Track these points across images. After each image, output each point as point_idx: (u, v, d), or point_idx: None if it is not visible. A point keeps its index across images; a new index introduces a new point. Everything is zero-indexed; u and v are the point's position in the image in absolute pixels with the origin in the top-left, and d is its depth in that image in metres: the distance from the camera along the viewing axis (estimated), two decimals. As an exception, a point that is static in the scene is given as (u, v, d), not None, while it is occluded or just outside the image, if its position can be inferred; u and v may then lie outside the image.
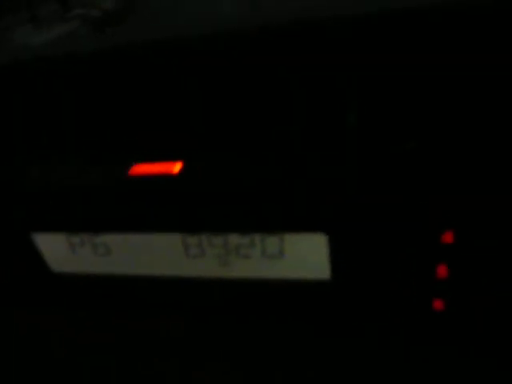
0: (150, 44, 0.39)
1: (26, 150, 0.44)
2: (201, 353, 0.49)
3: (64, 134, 0.44)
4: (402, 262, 0.39)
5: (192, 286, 0.47)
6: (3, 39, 0.65)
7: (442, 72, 0.35)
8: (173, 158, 0.42)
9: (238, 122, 0.40)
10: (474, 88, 0.34)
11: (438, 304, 0.40)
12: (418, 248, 0.38)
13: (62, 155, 0.44)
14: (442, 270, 0.38)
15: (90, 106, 0.43)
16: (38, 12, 0.74)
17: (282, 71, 0.38)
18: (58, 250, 0.47)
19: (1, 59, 0.45)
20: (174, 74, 0.40)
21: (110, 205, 0.43)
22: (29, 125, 0.44)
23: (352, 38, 0.35)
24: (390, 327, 0.43)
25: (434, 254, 0.37)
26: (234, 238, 0.43)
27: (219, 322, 0.48)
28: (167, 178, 0.42)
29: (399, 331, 0.42)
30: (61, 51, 0.42)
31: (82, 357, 0.53)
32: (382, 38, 0.35)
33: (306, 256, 0.42)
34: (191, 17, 0.43)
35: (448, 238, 0.36)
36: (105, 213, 0.43)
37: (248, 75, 0.38)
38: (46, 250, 0.48)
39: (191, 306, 0.49)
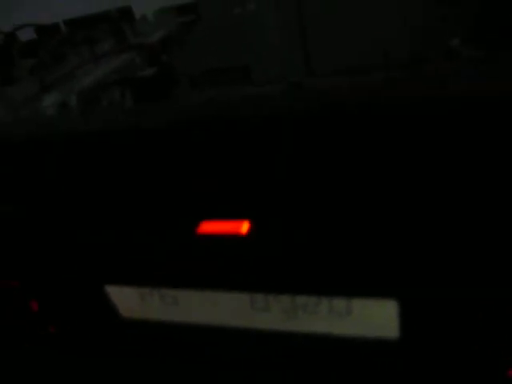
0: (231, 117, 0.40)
1: (101, 215, 0.46)
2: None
3: (136, 194, 0.45)
4: (476, 330, 0.38)
5: (256, 337, 0.48)
6: (69, 83, 0.67)
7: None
8: (240, 217, 0.43)
9: (304, 185, 0.40)
10: None
11: (514, 372, 0.39)
12: (492, 318, 0.37)
13: (132, 216, 0.45)
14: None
15: (160, 167, 0.44)
16: (96, 48, 0.77)
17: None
18: (128, 300, 0.49)
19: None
20: (241, 138, 0.40)
21: (177, 261, 0.44)
22: (101, 186, 0.46)
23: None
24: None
25: (507, 331, 0.36)
26: (301, 297, 0.43)
27: (282, 374, 0.48)
28: (234, 238, 0.42)
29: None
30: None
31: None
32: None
33: (374, 316, 0.42)
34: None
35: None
36: (172, 269, 0.45)
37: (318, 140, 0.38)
38: (118, 300, 0.50)
39: (254, 357, 0.49)
